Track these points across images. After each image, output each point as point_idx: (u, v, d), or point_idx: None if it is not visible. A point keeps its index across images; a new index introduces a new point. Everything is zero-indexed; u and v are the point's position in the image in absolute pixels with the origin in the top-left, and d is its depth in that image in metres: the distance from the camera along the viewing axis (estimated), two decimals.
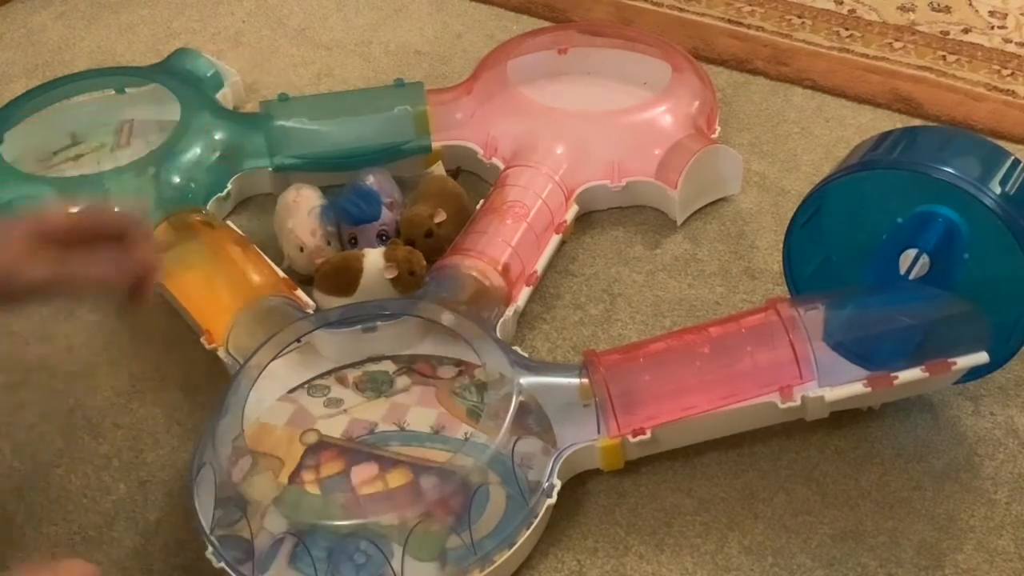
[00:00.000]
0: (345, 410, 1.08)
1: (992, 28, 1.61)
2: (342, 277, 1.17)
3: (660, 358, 1.07)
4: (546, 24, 1.64)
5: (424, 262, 1.18)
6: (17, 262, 0.84)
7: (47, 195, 1.28)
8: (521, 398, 1.03)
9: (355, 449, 1.04)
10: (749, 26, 1.64)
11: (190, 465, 1.04)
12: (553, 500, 1.00)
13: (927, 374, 1.02)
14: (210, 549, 0.98)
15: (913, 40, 1.59)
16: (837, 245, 1.12)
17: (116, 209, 0.97)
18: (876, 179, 1.06)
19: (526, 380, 1.05)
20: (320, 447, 1.04)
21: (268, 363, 1.07)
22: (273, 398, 1.09)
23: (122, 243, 0.87)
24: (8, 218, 0.92)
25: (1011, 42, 1.58)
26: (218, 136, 1.36)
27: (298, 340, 1.10)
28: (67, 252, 0.85)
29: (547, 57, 1.49)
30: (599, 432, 1.04)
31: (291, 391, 1.10)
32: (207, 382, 1.17)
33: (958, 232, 1.03)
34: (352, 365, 1.12)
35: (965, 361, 1.02)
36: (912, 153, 1.06)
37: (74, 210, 0.89)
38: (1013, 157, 1.05)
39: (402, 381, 1.11)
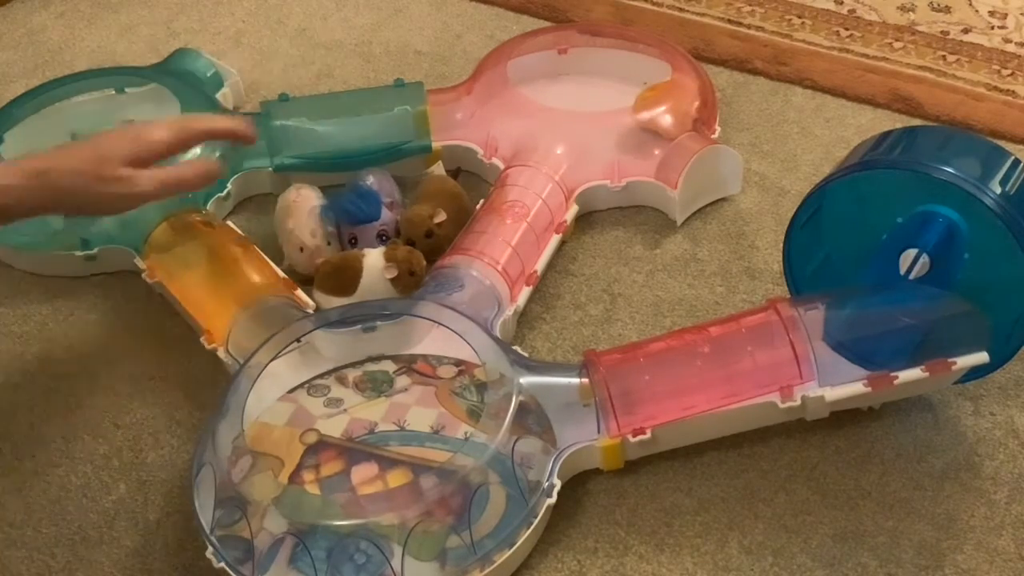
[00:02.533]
0: (345, 410, 1.08)
1: (992, 28, 1.61)
2: (342, 277, 1.17)
3: (660, 358, 1.07)
4: (546, 24, 1.64)
5: (424, 262, 1.18)
6: (131, 174, 0.99)
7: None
8: (521, 398, 1.03)
9: (355, 449, 1.04)
10: (749, 26, 1.64)
11: (190, 465, 1.04)
12: (553, 500, 1.00)
13: (927, 374, 1.02)
14: (210, 549, 0.98)
15: (913, 40, 1.59)
16: (837, 245, 1.12)
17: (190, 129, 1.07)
18: (876, 179, 1.06)
19: (526, 380, 1.05)
20: (320, 447, 1.04)
21: (268, 363, 1.07)
22: (273, 398, 1.09)
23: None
24: (102, 137, 1.02)
25: (1011, 42, 1.58)
26: None
27: (298, 340, 1.10)
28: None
29: (547, 57, 1.49)
30: (599, 432, 1.04)
31: (291, 391, 1.10)
32: (207, 382, 1.17)
33: (958, 232, 1.03)
34: (352, 365, 1.12)
35: (965, 361, 1.02)
36: (912, 153, 1.06)
37: (162, 132, 1.03)
38: (1013, 157, 1.05)
39: (402, 381, 1.11)
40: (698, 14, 1.67)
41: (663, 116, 1.34)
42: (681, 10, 1.68)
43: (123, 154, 0.99)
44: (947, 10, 1.65)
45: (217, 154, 1.34)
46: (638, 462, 1.07)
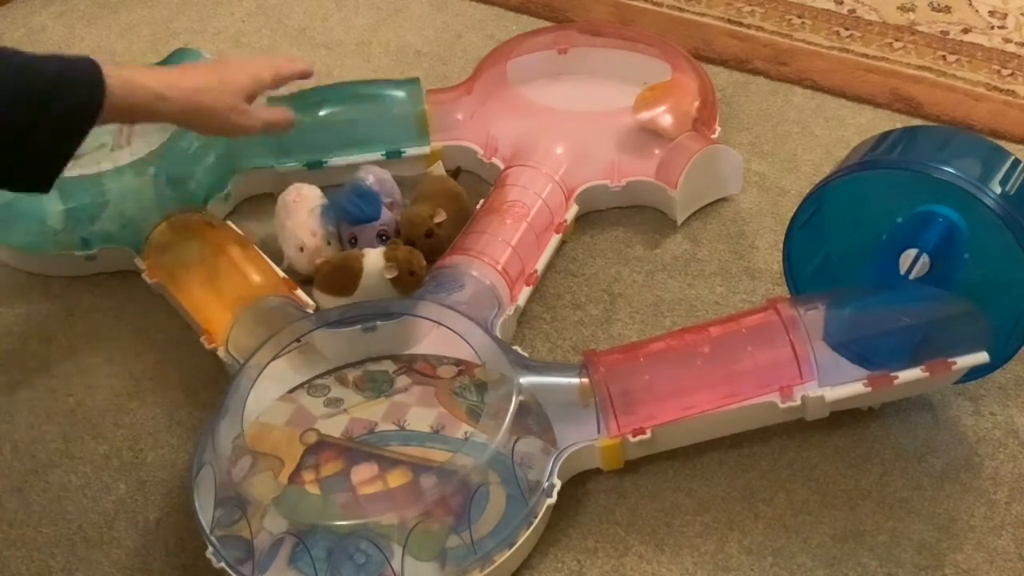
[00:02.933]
0: (345, 410, 1.08)
1: (992, 28, 1.61)
2: (342, 277, 1.17)
3: (660, 358, 1.07)
4: (546, 24, 1.64)
5: (424, 262, 1.18)
6: (248, 110, 1.14)
7: (49, 197, 1.28)
8: (521, 398, 1.03)
9: (355, 449, 1.04)
10: (749, 26, 1.64)
11: (190, 465, 1.04)
12: (553, 500, 1.00)
13: (927, 374, 1.02)
14: (210, 549, 0.98)
15: (913, 40, 1.59)
16: (837, 245, 1.11)
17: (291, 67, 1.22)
18: (876, 179, 1.06)
19: (526, 380, 1.05)
20: (320, 447, 1.04)
21: (268, 363, 1.07)
22: (273, 398, 1.09)
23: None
24: (226, 67, 1.17)
25: (1011, 42, 1.58)
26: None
27: (298, 340, 1.10)
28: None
29: (547, 57, 1.49)
30: (599, 432, 1.04)
31: (291, 391, 1.10)
32: (207, 382, 1.17)
33: (958, 232, 1.03)
34: (352, 365, 1.12)
35: (965, 361, 1.02)
36: (912, 153, 1.06)
37: (269, 72, 1.17)
38: (1013, 157, 1.05)
39: (402, 381, 1.11)
40: (698, 14, 1.67)
41: (663, 116, 1.34)
42: (681, 10, 1.68)
43: (246, 88, 1.14)
44: (947, 10, 1.65)
45: (216, 155, 1.34)
46: (638, 462, 1.07)
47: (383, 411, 1.08)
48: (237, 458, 1.00)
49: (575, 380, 1.06)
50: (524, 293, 1.21)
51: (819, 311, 1.06)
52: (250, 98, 1.15)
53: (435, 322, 1.11)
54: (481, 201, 1.29)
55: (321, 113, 1.37)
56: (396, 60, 1.61)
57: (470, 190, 1.33)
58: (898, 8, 1.66)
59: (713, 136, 1.38)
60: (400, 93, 1.39)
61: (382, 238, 1.24)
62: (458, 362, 1.12)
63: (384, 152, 1.37)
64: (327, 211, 1.25)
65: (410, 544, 0.94)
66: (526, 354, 1.13)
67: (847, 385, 1.03)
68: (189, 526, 1.02)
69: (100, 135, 1.42)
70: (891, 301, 1.07)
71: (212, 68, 1.17)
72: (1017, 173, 1.03)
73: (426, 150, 1.37)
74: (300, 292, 1.19)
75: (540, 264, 1.24)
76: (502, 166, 1.34)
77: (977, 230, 1.02)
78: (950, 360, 1.02)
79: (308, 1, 1.74)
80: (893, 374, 1.02)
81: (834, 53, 1.58)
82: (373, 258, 1.17)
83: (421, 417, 1.07)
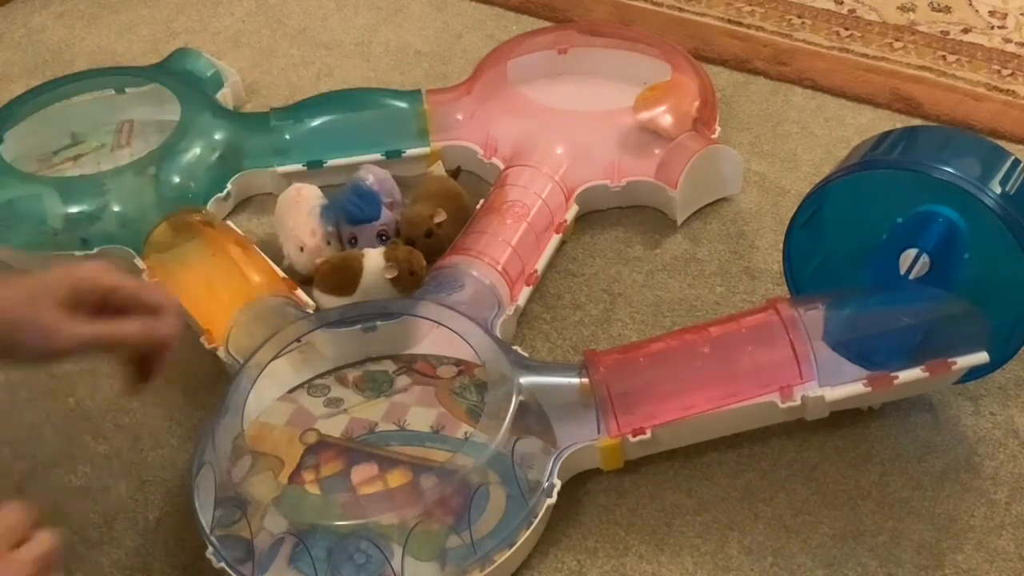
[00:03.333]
0: (345, 410, 1.08)
1: (992, 28, 1.61)
2: (342, 277, 1.17)
3: (660, 358, 1.07)
4: (546, 24, 1.64)
5: (424, 262, 1.18)
6: (60, 321, 0.85)
7: (49, 197, 1.28)
8: (521, 398, 1.03)
9: (355, 449, 1.04)
10: (749, 26, 1.64)
11: (190, 465, 1.04)
12: (553, 500, 1.00)
13: (927, 374, 1.02)
14: (210, 549, 0.98)
15: (913, 40, 1.59)
16: (837, 245, 1.11)
17: (149, 285, 1.02)
18: (876, 179, 1.06)
19: (526, 380, 1.05)
20: (320, 447, 1.04)
21: (268, 363, 1.07)
22: (273, 398, 1.09)
23: (151, 315, 0.90)
24: (44, 274, 0.88)
25: (1011, 42, 1.58)
26: (218, 136, 1.36)
27: (298, 340, 1.10)
28: (99, 313, 0.87)
29: (547, 57, 1.49)
30: (599, 432, 1.04)
31: (291, 391, 1.10)
32: (207, 382, 1.17)
33: (958, 232, 1.03)
34: (352, 365, 1.12)
35: (965, 361, 1.02)
36: (912, 153, 1.06)
37: (110, 275, 0.89)
38: (1013, 157, 1.05)
39: (402, 381, 1.11)
40: (698, 14, 1.67)
41: (663, 116, 1.34)
42: (681, 10, 1.68)
43: (58, 292, 0.86)
44: (947, 10, 1.65)
45: (216, 155, 1.35)
46: (638, 462, 1.07)
47: (383, 411, 1.08)
48: (237, 458, 1.00)
49: (575, 380, 1.06)
50: (524, 293, 1.21)
51: (819, 311, 1.06)
52: (70, 302, 0.86)
53: (435, 322, 1.11)
54: (481, 201, 1.29)
55: (322, 115, 1.38)
56: (396, 60, 1.61)
57: (470, 190, 1.33)
58: (898, 8, 1.66)
59: (713, 136, 1.38)
60: (400, 97, 1.39)
61: (382, 238, 1.24)
62: (458, 362, 1.12)
63: (384, 152, 1.37)
64: (327, 211, 1.25)
65: (410, 544, 0.94)
66: (526, 354, 1.13)
67: (847, 385, 1.03)
68: (189, 526, 1.02)
69: (100, 135, 1.43)
70: (891, 301, 1.07)
71: (13, 277, 0.89)
72: (1017, 173, 1.03)
73: (426, 150, 1.38)
74: (300, 292, 1.19)
75: (540, 264, 1.24)
76: (502, 166, 1.34)
77: (977, 230, 1.02)
78: (950, 360, 1.02)
79: (308, 1, 1.74)
80: (893, 374, 1.02)
81: (834, 53, 1.58)
82: (373, 258, 1.17)
83: (421, 417, 1.07)
